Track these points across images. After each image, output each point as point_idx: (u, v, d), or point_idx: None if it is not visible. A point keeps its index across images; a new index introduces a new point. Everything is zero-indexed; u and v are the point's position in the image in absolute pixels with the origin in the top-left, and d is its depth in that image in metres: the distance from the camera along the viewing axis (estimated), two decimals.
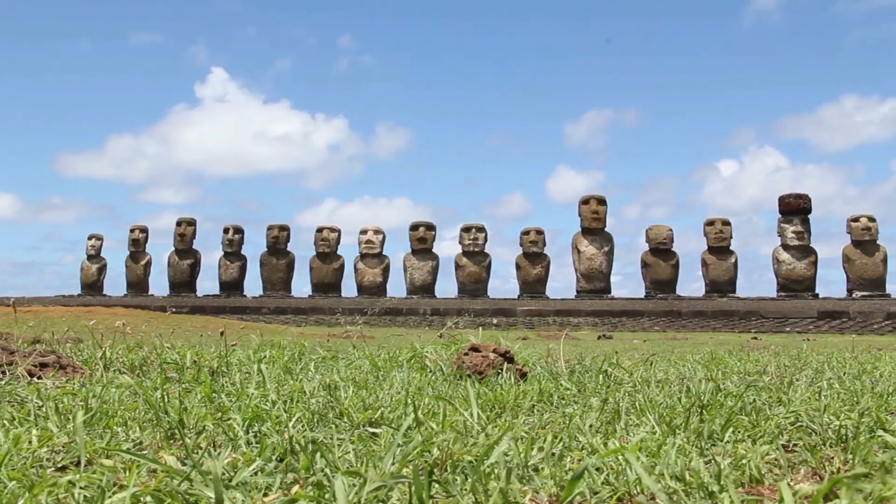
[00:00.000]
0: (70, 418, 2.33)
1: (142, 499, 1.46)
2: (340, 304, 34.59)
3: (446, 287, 44.38)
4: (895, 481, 1.41)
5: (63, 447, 2.01)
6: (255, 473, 1.67)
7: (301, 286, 42.29)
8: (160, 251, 48.98)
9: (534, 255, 36.24)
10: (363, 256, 37.78)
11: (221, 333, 4.89)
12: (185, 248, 38.56)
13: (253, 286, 39.09)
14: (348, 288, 38.16)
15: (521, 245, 36.75)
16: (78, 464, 1.76)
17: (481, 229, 37.22)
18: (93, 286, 39.24)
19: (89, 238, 40.21)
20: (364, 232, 38.04)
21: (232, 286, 38.01)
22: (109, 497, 1.46)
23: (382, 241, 38.03)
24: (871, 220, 31.15)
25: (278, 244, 38.29)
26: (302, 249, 66.38)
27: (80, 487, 1.54)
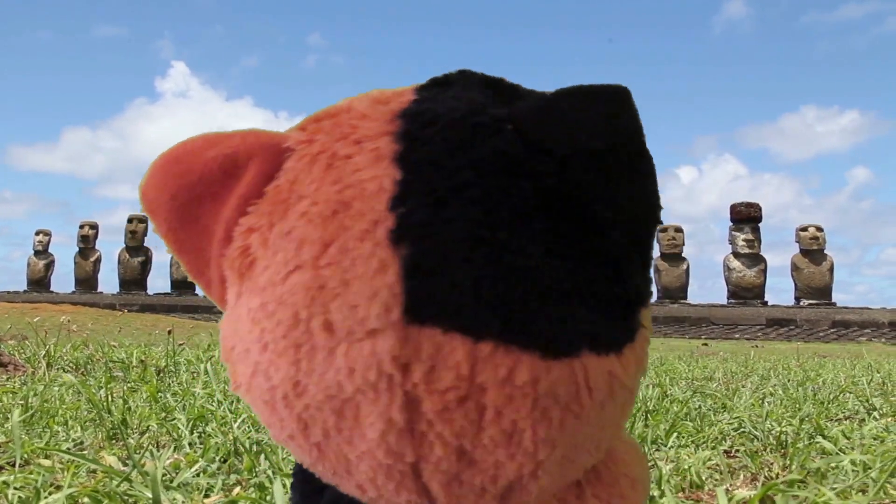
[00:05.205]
0: (8, 417, 2.28)
1: (79, 500, 1.43)
2: None
3: None
4: (829, 487, 1.44)
5: None
6: (198, 474, 1.65)
7: None
8: (114, 248, 48.14)
9: None
10: None
11: (169, 332, 4.82)
12: (136, 245, 37.87)
13: None
14: None
15: None
16: (14, 464, 1.72)
17: None
18: (39, 282, 38.38)
19: (37, 233, 39.32)
20: None
21: (184, 285, 37.43)
22: (45, 497, 1.43)
23: None
24: (819, 229, 31.72)
25: None
26: None
27: (15, 488, 1.51)
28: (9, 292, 36.30)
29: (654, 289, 0.58)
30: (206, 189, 0.56)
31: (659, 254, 33.52)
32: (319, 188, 0.51)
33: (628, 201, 0.51)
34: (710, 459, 2.00)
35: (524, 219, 0.48)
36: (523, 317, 0.47)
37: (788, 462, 2.01)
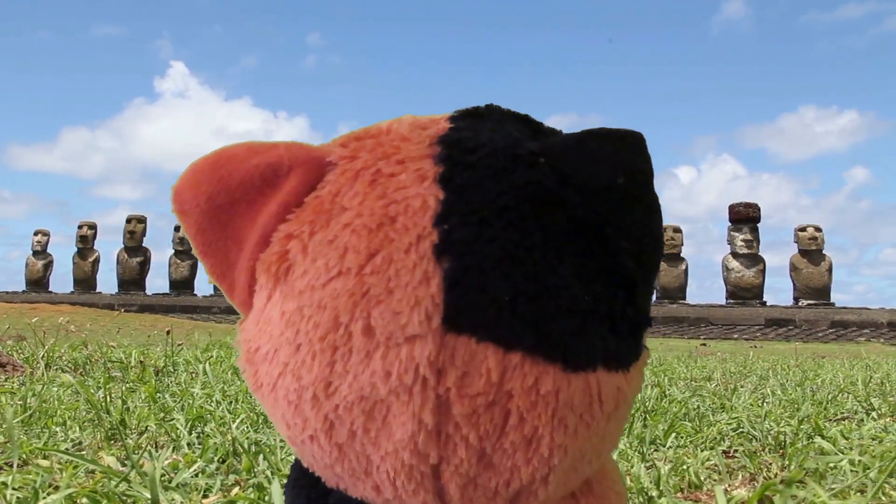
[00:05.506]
0: (6, 417, 2.28)
1: (77, 500, 1.43)
2: None
3: None
4: (826, 487, 1.44)
5: None
6: (196, 475, 1.65)
7: None
8: (113, 248, 48.04)
9: None
10: None
11: (168, 333, 4.82)
12: (134, 245, 37.86)
13: (204, 285, 38.54)
14: None
15: None
16: (13, 464, 1.71)
17: None
18: (38, 283, 38.37)
19: (35, 233, 39.31)
20: None
21: (182, 285, 37.45)
22: (43, 498, 1.43)
23: None
24: (818, 230, 31.75)
25: None
26: None
27: (14, 489, 1.51)
28: (7, 292, 36.29)
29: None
30: (243, 194, 0.59)
31: None
32: (364, 202, 0.54)
33: (641, 233, 0.56)
34: (708, 459, 2.00)
35: (556, 243, 0.53)
36: (551, 331, 0.51)
37: (787, 462, 2.01)
